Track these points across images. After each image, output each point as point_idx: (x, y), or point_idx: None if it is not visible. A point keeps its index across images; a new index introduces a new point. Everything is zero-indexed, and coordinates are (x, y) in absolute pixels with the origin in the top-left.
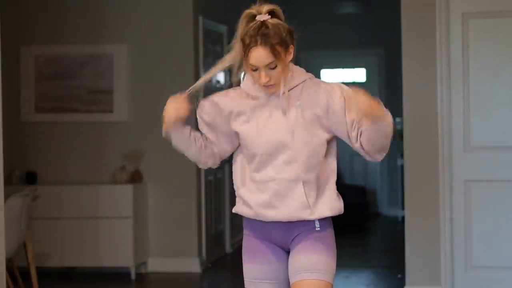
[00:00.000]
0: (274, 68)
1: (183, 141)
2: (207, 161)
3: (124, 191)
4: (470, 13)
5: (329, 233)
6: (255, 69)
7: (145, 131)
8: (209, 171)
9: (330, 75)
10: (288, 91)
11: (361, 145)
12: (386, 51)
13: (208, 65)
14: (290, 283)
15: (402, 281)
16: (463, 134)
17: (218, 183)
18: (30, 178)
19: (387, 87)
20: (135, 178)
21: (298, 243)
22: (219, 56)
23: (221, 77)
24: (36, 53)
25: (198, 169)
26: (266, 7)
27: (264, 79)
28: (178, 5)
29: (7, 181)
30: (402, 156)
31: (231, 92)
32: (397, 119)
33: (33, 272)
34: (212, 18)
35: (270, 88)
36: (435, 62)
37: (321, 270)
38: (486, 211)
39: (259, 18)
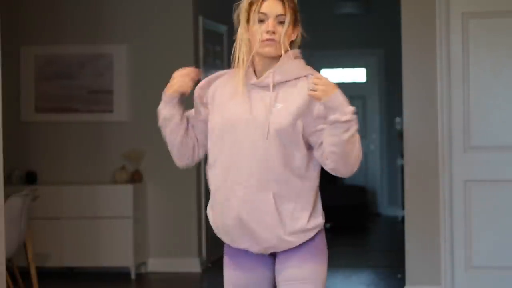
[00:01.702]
0: (281, 23)
1: (174, 117)
2: (185, 153)
3: (124, 191)
4: (470, 13)
5: (321, 239)
6: (262, 21)
7: (145, 131)
8: None
9: (330, 75)
10: (277, 84)
11: (326, 158)
12: (386, 51)
13: (208, 65)
14: None
15: (402, 281)
16: (463, 134)
17: None
18: (30, 178)
19: (387, 87)
20: (135, 178)
21: (287, 250)
22: (219, 56)
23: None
24: (36, 53)
25: (198, 169)
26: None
27: (271, 27)
28: (178, 5)
29: (7, 181)
30: (402, 156)
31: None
32: (397, 119)
33: (33, 272)
34: (212, 18)
35: (269, 44)
36: (435, 62)
37: (313, 279)
38: (486, 211)
39: None
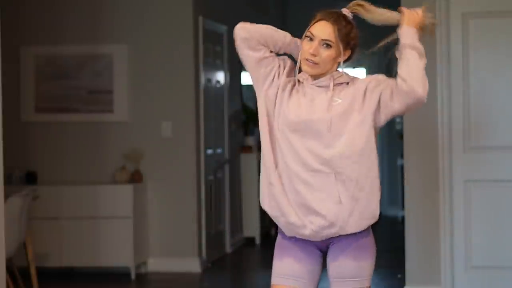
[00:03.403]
0: (326, 48)
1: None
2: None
3: (124, 191)
4: (470, 13)
5: (371, 237)
6: (310, 39)
7: (145, 131)
8: (209, 171)
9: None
10: (334, 85)
11: (400, 80)
12: (386, 51)
13: (208, 65)
14: (331, 286)
15: (402, 281)
16: (463, 134)
17: (218, 183)
18: (30, 178)
19: None
20: (135, 178)
21: (341, 246)
22: (219, 56)
23: (221, 77)
24: (36, 53)
25: (198, 169)
26: (352, 7)
27: (312, 50)
28: (178, 5)
29: (7, 181)
30: (402, 156)
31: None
32: (397, 119)
33: (33, 272)
34: (212, 18)
35: (309, 64)
36: (435, 62)
37: (365, 277)
38: (486, 211)
39: (343, 10)
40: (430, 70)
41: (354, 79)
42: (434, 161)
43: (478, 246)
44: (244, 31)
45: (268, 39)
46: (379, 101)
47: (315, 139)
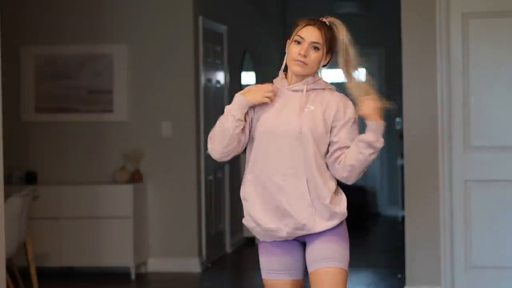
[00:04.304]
0: (315, 50)
1: (242, 123)
2: (234, 148)
3: (124, 191)
4: (470, 13)
5: (343, 229)
6: (298, 43)
7: (145, 131)
8: (209, 171)
9: (330, 75)
10: (309, 90)
11: (342, 167)
12: (386, 50)
13: (208, 65)
14: (309, 271)
15: (402, 281)
16: (463, 134)
17: (218, 183)
18: (30, 178)
19: (387, 87)
20: (135, 178)
21: (314, 237)
22: (219, 56)
23: (221, 77)
24: (36, 53)
25: (198, 169)
26: (330, 19)
27: (303, 51)
28: (178, 5)
29: (7, 181)
30: (402, 156)
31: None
32: (397, 119)
33: (33, 272)
34: (212, 18)
35: (299, 65)
36: (435, 62)
37: (338, 258)
38: (486, 211)
39: (323, 18)
40: (430, 69)
41: (331, 90)
42: (434, 161)
43: (478, 246)
44: (219, 150)
45: (235, 138)
46: (333, 142)
47: (287, 143)
